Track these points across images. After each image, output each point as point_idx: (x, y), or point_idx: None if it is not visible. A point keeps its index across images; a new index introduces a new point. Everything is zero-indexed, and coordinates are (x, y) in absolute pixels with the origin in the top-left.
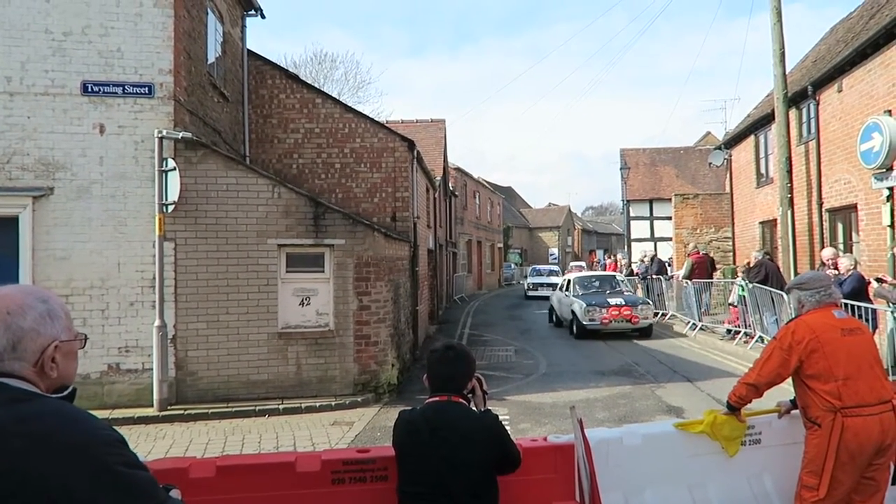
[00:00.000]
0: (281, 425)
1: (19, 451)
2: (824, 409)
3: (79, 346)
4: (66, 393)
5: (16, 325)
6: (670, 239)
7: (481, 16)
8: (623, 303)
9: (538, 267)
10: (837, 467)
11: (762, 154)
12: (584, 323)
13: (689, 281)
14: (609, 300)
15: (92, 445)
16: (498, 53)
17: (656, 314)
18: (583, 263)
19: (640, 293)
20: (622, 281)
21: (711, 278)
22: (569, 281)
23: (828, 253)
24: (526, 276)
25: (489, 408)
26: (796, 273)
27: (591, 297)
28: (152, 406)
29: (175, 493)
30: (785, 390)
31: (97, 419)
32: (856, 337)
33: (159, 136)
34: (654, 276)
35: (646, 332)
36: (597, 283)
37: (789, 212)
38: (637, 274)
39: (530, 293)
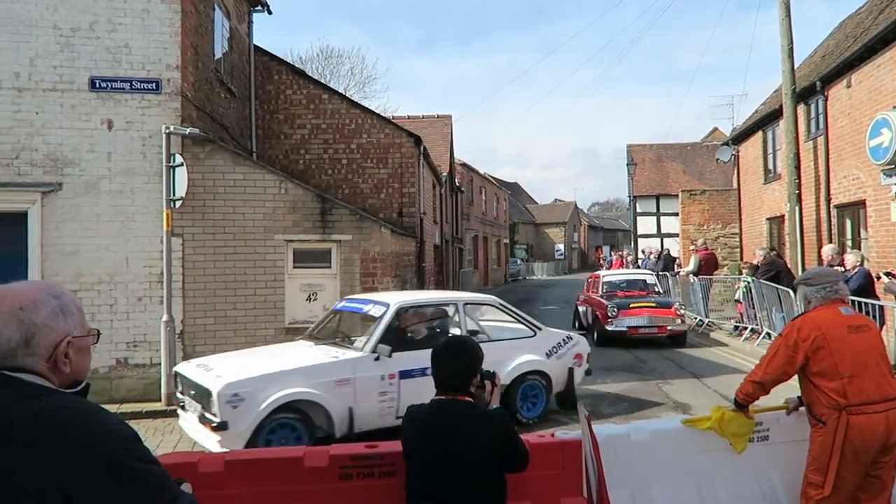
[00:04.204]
0: None
1: (36, 445)
2: (829, 407)
3: (92, 342)
4: (79, 388)
5: (29, 321)
6: (677, 235)
7: (492, 10)
8: None
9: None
10: (842, 465)
11: (770, 150)
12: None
13: (696, 277)
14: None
15: (106, 441)
16: (508, 48)
17: None
18: None
19: None
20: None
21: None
22: None
23: (828, 250)
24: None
25: (498, 405)
26: (804, 270)
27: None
28: (160, 400)
29: (186, 487)
30: (794, 387)
31: (111, 414)
32: (862, 334)
33: (167, 131)
34: (661, 273)
35: None
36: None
37: (797, 208)
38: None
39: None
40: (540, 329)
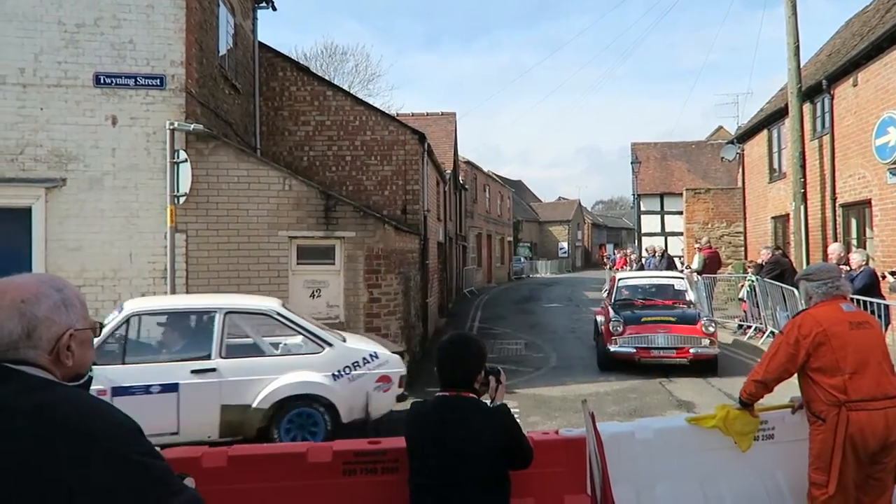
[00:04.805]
0: None
1: (38, 438)
2: (828, 404)
3: (94, 335)
4: (81, 381)
5: (30, 314)
6: (681, 234)
7: (495, 7)
8: None
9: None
10: (843, 463)
11: (775, 149)
12: None
13: (700, 276)
14: None
15: (108, 434)
16: (511, 46)
17: None
18: None
19: None
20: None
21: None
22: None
23: (835, 248)
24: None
25: (503, 401)
26: None
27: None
28: None
29: (189, 482)
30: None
31: (113, 408)
32: (864, 331)
33: (171, 127)
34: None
35: None
36: None
37: (802, 207)
38: (644, 268)
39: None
40: (332, 345)
